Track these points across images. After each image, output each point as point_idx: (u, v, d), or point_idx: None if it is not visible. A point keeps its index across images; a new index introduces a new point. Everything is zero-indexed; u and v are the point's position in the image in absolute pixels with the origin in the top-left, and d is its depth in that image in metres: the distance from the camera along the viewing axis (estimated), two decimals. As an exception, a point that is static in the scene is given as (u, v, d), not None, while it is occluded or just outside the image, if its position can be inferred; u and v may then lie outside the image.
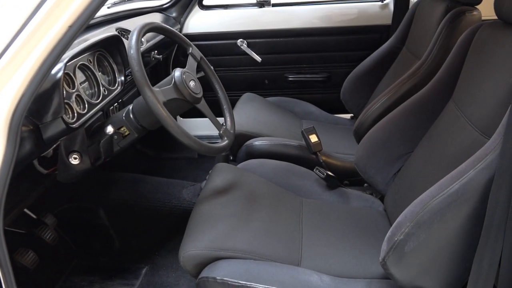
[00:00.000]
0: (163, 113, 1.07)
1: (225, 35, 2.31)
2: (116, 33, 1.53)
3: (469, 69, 1.15)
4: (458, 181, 0.83)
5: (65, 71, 1.11)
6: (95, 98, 1.32)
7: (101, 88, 1.34)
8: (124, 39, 1.52)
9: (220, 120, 1.32)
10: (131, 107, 1.23)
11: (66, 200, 1.62)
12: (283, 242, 1.15)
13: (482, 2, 1.48)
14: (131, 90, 1.72)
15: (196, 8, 2.36)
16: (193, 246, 1.10)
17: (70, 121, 1.12)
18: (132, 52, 1.09)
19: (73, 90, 1.18)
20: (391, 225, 0.94)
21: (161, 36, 1.88)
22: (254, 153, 1.65)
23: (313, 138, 1.59)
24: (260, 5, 2.33)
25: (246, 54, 2.31)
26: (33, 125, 0.96)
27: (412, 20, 1.89)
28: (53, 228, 1.48)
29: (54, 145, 1.13)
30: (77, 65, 1.24)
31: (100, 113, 1.36)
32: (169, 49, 2.23)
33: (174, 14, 2.32)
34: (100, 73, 1.37)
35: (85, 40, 1.33)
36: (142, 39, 1.70)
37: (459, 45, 1.21)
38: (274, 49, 2.34)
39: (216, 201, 1.26)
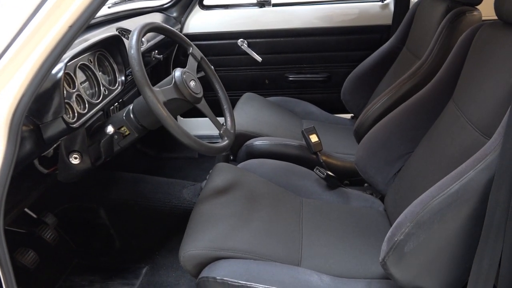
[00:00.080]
0: (164, 113, 1.07)
1: (226, 35, 2.31)
2: (117, 33, 1.53)
3: (469, 69, 1.15)
4: (458, 182, 0.83)
5: (66, 71, 1.12)
6: (95, 98, 1.32)
7: (101, 88, 1.34)
8: (124, 39, 1.52)
9: (221, 120, 1.33)
10: (131, 107, 1.23)
11: (67, 199, 1.62)
12: (283, 242, 1.15)
13: (483, 2, 1.48)
14: (131, 90, 1.73)
15: (197, 8, 2.36)
16: (193, 246, 1.10)
17: (71, 121, 1.12)
18: (132, 52, 1.10)
19: (74, 90, 1.18)
20: (391, 225, 0.94)
21: (161, 36, 1.88)
22: (255, 153, 1.65)
23: (314, 138, 1.59)
24: (261, 5, 2.33)
25: (246, 54, 2.31)
26: (33, 124, 0.96)
27: (413, 20, 1.89)
28: (53, 227, 1.48)
29: (55, 145, 1.14)
30: (78, 65, 1.24)
31: (101, 113, 1.37)
32: (170, 49, 2.23)
33: (174, 14, 2.32)
34: (100, 73, 1.37)
35: (86, 40, 1.33)
36: (143, 39, 1.70)
37: (459, 45, 1.21)
38: (275, 49, 2.34)
39: (217, 201, 1.26)
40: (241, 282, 0.99)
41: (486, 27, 1.14)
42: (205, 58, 1.39)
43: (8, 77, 0.73)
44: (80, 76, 1.27)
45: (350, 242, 1.19)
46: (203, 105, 1.28)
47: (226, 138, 1.30)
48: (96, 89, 1.34)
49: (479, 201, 0.82)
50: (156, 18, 2.19)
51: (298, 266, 1.09)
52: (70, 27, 0.74)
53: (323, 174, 1.41)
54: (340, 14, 2.30)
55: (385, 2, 2.29)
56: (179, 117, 2.52)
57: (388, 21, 2.26)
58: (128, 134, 1.23)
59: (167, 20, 2.24)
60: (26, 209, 1.37)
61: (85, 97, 1.23)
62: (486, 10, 1.44)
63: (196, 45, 1.38)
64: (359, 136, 1.63)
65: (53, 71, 1.03)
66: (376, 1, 2.30)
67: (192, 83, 1.21)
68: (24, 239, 1.43)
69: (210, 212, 1.22)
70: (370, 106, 1.63)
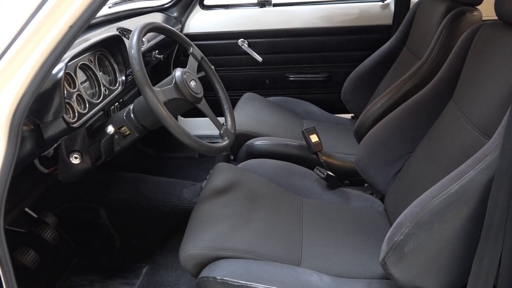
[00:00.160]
0: (164, 113, 1.07)
1: (226, 35, 2.31)
2: (117, 33, 1.53)
3: (469, 70, 1.15)
4: (458, 182, 0.83)
5: (66, 71, 1.12)
6: (96, 98, 1.32)
7: (102, 87, 1.34)
8: (125, 39, 1.52)
9: (221, 120, 1.33)
10: (131, 107, 1.23)
11: (67, 199, 1.62)
12: (283, 242, 1.15)
13: (483, 3, 1.48)
14: (132, 89, 1.73)
15: (197, 8, 2.36)
16: (193, 246, 1.10)
17: (71, 120, 1.12)
18: (133, 52, 1.10)
19: (74, 90, 1.18)
20: (391, 225, 0.94)
21: (162, 36, 1.88)
22: (255, 153, 1.65)
23: (314, 138, 1.59)
24: (261, 5, 2.33)
25: (247, 54, 2.31)
26: (34, 124, 0.96)
27: (413, 20, 1.89)
28: (53, 227, 1.48)
29: (55, 145, 1.14)
30: (78, 65, 1.24)
31: (101, 112, 1.37)
32: (170, 49, 2.23)
33: (175, 14, 2.32)
34: (101, 73, 1.38)
35: (86, 40, 1.33)
36: (143, 39, 1.70)
37: (460, 46, 1.21)
38: (275, 49, 2.34)
39: (217, 200, 1.26)
40: (241, 282, 0.99)
41: (486, 27, 1.14)
42: (206, 58, 1.39)
43: (8, 77, 0.73)
44: (81, 76, 1.28)
45: (350, 242, 1.19)
46: (203, 105, 1.28)
47: (226, 138, 1.30)
48: (97, 89, 1.34)
49: (479, 201, 0.82)
50: (157, 18, 2.19)
51: (298, 266, 1.09)
52: (71, 27, 0.74)
53: (323, 174, 1.41)
54: (341, 14, 2.30)
55: (385, 2, 2.29)
56: (179, 117, 2.53)
57: (389, 21, 2.26)
58: (129, 134, 1.23)
59: (167, 20, 2.24)
60: (26, 209, 1.37)
61: (86, 97, 1.23)
62: (486, 10, 1.44)
63: (196, 45, 1.38)
64: (359, 136, 1.63)
65: (54, 71, 1.03)
66: (376, 1, 2.30)
67: (192, 83, 1.21)
68: (25, 239, 1.43)
69: (210, 212, 1.22)
70: (371, 106, 1.63)
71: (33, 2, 0.73)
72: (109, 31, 1.55)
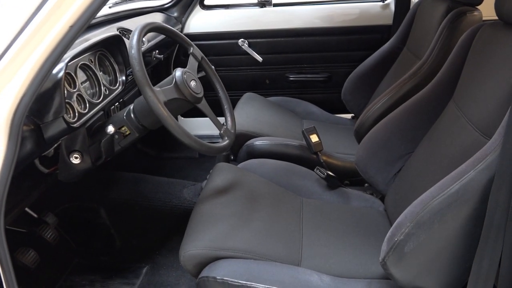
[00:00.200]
0: (164, 113, 1.07)
1: (226, 35, 2.31)
2: (117, 33, 1.53)
3: (469, 70, 1.15)
4: (458, 182, 0.83)
5: (66, 71, 1.12)
6: (96, 98, 1.32)
7: (102, 87, 1.34)
8: (125, 39, 1.52)
9: (221, 119, 1.33)
10: (132, 107, 1.23)
11: (67, 199, 1.62)
12: (284, 242, 1.15)
13: (483, 3, 1.48)
14: (132, 89, 1.73)
15: (197, 8, 2.36)
16: (193, 246, 1.10)
17: (71, 120, 1.12)
18: (133, 52, 1.10)
19: (74, 90, 1.19)
20: (391, 225, 0.94)
21: (162, 36, 1.89)
22: (255, 153, 1.65)
23: (314, 138, 1.59)
24: (262, 5, 2.33)
25: (247, 54, 2.31)
26: (34, 124, 0.96)
27: (413, 20, 1.89)
28: (54, 227, 1.48)
29: (55, 145, 1.14)
30: (78, 65, 1.24)
31: (101, 112, 1.37)
32: (170, 49, 2.24)
33: (175, 14, 2.32)
34: (101, 73, 1.38)
35: (86, 40, 1.33)
36: (143, 39, 1.70)
37: (460, 46, 1.21)
38: (275, 49, 2.34)
39: (217, 200, 1.26)
40: (241, 282, 0.99)
41: (487, 27, 1.14)
42: (206, 58, 1.39)
43: (9, 77, 0.74)
44: (81, 76, 1.28)
45: (350, 242, 1.19)
46: (203, 105, 1.28)
47: (226, 138, 1.30)
48: (97, 89, 1.34)
49: (479, 201, 0.82)
50: (157, 18, 2.19)
51: (298, 266, 1.09)
52: (71, 27, 0.74)
53: (324, 174, 1.41)
54: (341, 14, 2.30)
55: (385, 2, 2.29)
56: (179, 117, 2.53)
57: (389, 21, 2.26)
58: (129, 134, 1.23)
59: (167, 20, 2.25)
60: (26, 209, 1.37)
61: (86, 97, 1.23)
62: (487, 10, 1.44)
63: (196, 45, 1.38)
64: (359, 136, 1.63)
65: (54, 71, 1.03)
66: (377, 1, 2.30)
67: (192, 83, 1.21)
68: (25, 239, 1.43)
69: (211, 212, 1.22)
70: (371, 106, 1.64)
71: (34, 2, 0.73)
72: (110, 31, 1.55)
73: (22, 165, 0.98)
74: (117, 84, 1.46)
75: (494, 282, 0.81)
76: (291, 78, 2.39)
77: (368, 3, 2.30)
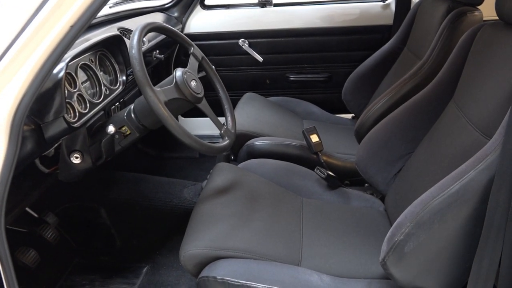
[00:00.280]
0: (164, 113, 1.08)
1: (227, 35, 2.31)
2: (118, 32, 1.53)
3: (470, 70, 1.15)
4: (459, 182, 0.83)
5: (67, 71, 1.12)
6: (96, 98, 1.32)
7: (102, 87, 1.34)
8: (125, 39, 1.52)
9: (221, 119, 1.33)
10: (132, 107, 1.23)
11: (68, 199, 1.62)
12: (284, 242, 1.15)
13: (484, 3, 1.48)
14: (132, 89, 1.73)
15: (198, 8, 2.36)
16: (193, 246, 1.10)
17: (72, 120, 1.12)
18: (133, 51, 1.10)
19: (75, 90, 1.19)
20: (391, 225, 0.94)
21: (162, 36, 1.89)
22: (255, 153, 1.65)
23: (314, 138, 1.59)
24: (262, 5, 2.33)
25: (247, 54, 2.31)
26: (34, 124, 0.96)
27: (414, 21, 1.89)
28: (54, 227, 1.48)
29: (56, 144, 1.14)
30: (79, 65, 1.25)
31: (102, 112, 1.37)
32: (171, 48, 2.24)
33: (176, 14, 2.32)
34: (101, 73, 1.38)
35: (87, 40, 1.33)
36: (144, 39, 1.70)
37: (460, 46, 1.21)
38: (276, 49, 2.34)
39: (217, 200, 1.26)
40: (241, 281, 1.00)
41: (487, 27, 1.14)
42: (206, 58, 1.39)
43: (9, 77, 0.74)
44: (81, 76, 1.28)
45: (350, 242, 1.19)
46: (204, 105, 1.28)
47: (227, 138, 1.31)
48: (97, 88, 1.34)
49: (480, 201, 0.82)
50: (157, 18, 2.19)
51: (298, 266, 1.09)
52: (72, 27, 0.75)
53: (324, 174, 1.41)
54: (341, 14, 2.30)
55: (386, 2, 2.29)
56: (180, 117, 2.53)
57: (389, 21, 2.26)
58: (129, 133, 1.23)
59: (168, 20, 2.25)
60: (27, 209, 1.38)
61: (86, 96, 1.23)
62: (487, 10, 1.44)
63: (197, 45, 1.38)
64: (359, 136, 1.63)
65: (55, 71, 1.03)
66: (377, 1, 2.30)
67: (193, 83, 1.21)
68: (25, 239, 1.43)
69: (211, 211, 1.22)
70: (371, 106, 1.64)
71: (34, 2, 0.73)
72: (110, 31, 1.55)
73: (22, 165, 0.98)
74: (118, 84, 1.46)
75: (494, 282, 0.81)
76: (291, 78, 2.39)
77: (368, 3, 2.30)
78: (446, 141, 1.14)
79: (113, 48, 1.46)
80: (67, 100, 1.11)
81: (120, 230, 1.67)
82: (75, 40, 0.77)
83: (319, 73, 2.38)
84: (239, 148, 1.71)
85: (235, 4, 2.38)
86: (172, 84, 1.18)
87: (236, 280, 1.00)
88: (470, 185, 0.82)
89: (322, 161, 1.59)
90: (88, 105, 1.22)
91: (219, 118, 1.32)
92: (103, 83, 1.35)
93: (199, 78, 1.27)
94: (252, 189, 1.33)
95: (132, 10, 2.04)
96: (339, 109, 2.29)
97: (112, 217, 1.65)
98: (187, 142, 1.12)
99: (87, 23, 0.76)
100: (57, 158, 1.18)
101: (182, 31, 2.31)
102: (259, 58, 2.31)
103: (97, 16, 0.84)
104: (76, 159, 1.18)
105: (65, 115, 1.04)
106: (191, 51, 1.33)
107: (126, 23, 1.78)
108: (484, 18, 1.51)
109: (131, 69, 1.32)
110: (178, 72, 1.20)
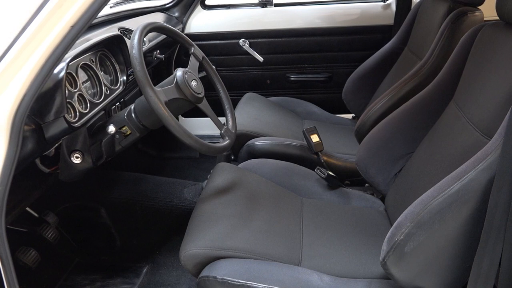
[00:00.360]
0: (165, 113, 1.08)
1: (227, 35, 2.31)
2: (119, 32, 1.53)
3: (470, 70, 1.15)
4: (459, 182, 0.83)
5: (68, 71, 1.12)
6: (97, 98, 1.32)
7: (103, 87, 1.35)
8: (126, 39, 1.52)
9: (222, 119, 1.33)
10: (133, 107, 1.23)
11: (68, 199, 1.62)
12: (284, 241, 1.15)
13: (485, 3, 1.48)
14: (133, 89, 1.73)
15: (199, 8, 2.36)
16: (194, 245, 1.10)
17: (72, 120, 1.12)
18: (134, 51, 1.10)
19: (75, 90, 1.19)
20: (391, 225, 0.94)
21: (163, 36, 1.89)
22: (256, 153, 1.65)
23: (315, 138, 1.59)
24: (263, 5, 2.33)
25: (248, 54, 2.31)
26: (35, 124, 0.97)
27: (414, 21, 1.89)
28: (54, 226, 1.48)
29: (56, 144, 1.14)
30: (80, 65, 1.25)
31: (102, 112, 1.37)
32: (171, 48, 2.24)
33: (176, 14, 2.32)
34: (102, 73, 1.38)
35: (88, 40, 1.33)
36: (144, 39, 1.70)
37: (461, 46, 1.21)
38: (276, 49, 2.34)
39: (217, 200, 1.26)
40: (242, 281, 1.00)
41: (488, 27, 1.14)
42: (207, 58, 1.39)
43: (10, 76, 0.74)
44: (82, 76, 1.28)
45: (351, 242, 1.19)
46: (204, 105, 1.28)
47: (227, 138, 1.31)
48: (98, 88, 1.34)
49: (480, 201, 0.82)
50: (158, 18, 2.19)
51: (298, 266, 1.09)
52: (72, 27, 0.75)
53: (324, 174, 1.42)
54: (342, 14, 2.30)
55: (387, 2, 2.29)
56: (180, 117, 2.53)
57: (390, 21, 2.26)
58: (130, 133, 1.23)
59: (169, 20, 2.25)
60: (27, 208, 1.38)
61: (87, 96, 1.23)
62: (488, 10, 1.44)
63: (197, 45, 1.38)
64: (360, 136, 1.63)
65: (55, 71, 1.03)
66: (378, 1, 2.30)
67: (193, 83, 1.21)
68: (26, 238, 1.43)
69: (211, 211, 1.22)
70: (371, 106, 1.63)
71: (35, 2, 0.73)
72: (111, 31, 1.55)
73: (23, 165, 0.98)
74: (118, 84, 1.47)
75: (494, 282, 0.81)
76: (292, 78, 2.39)
77: (369, 3, 2.30)
78: (447, 141, 1.14)
79: (113, 48, 1.46)
80: (67, 100, 1.11)
81: (121, 230, 1.67)
82: (76, 40, 0.77)
83: (319, 73, 2.38)
84: (239, 148, 1.71)
85: (235, 4, 2.39)
86: (173, 84, 1.18)
87: (236, 280, 1.00)
88: (470, 185, 0.82)
89: (322, 161, 1.59)
90: (88, 105, 1.22)
91: (219, 118, 1.32)
92: (104, 83, 1.36)
93: (200, 78, 1.27)
94: (253, 189, 1.33)
95: (133, 10, 2.04)
96: (340, 109, 2.29)
97: (113, 217, 1.65)
98: (188, 142, 1.13)
99: (87, 23, 0.76)
100: (58, 158, 1.18)
101: (182, 31, 2.31)
102: (260, 58, 2.31)
103: (97, 16, 0.84)
104: (76, 159, 1.18)
105: (66, 115, 1.04)
106: (192, 51, 1.33)
107: (126, 23, 1.78)
108: (485, 18, 1.51)
109: (131, 69, 1.32)
110: (179, 72, 1.20)
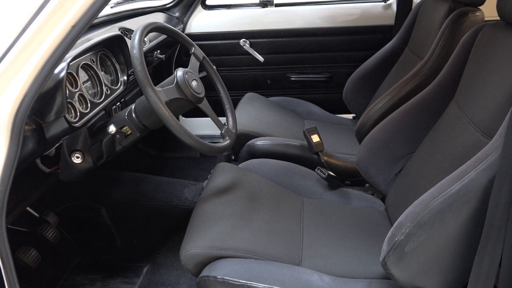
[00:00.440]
0: (165, 113, 1.08)
1: (228, 35, 2.31)
2: (119, 32, 1.53)
3: (471, 70, 1.15)
4: (459, 182, 0.83)
5: (68, 71, 1.12)
6: (97, 98, 1.32)
7: (103, 87, 1.35)
8: (127, 39, 1.52)
9: (222, 119, 1.33)
10: (133, 107, 1.23)
11: (68, 198, 1.62)
12: (284, 241, 1.15)
13: (485, 3, 1.48)
14: (133, 89, 1.73)
15: (199, 8, 2.37)
16: (194, 245, 1.10)
17: (73, 120, 1.12)
18: (134, 51, 1.10)
19: (76, 90, 1.19)
20: (392, 225, 0.94)
21: (164, 36, 1.89)
22: (256, 152, 1.65)
23: (315, 138, 1.59)
24: (263, 5, 2.33)
25: (248, 54, 2.31)
26: (36, 124, 0.97)
27: (415, 21, 1.89)
28: (55, 226, 1.49)
29: (57, 144, 1.14)
30: (80, 65, 1.25)
31: (103, 112, 1.37)
32: (172, 48, 2.24)
33: (177, 14, 2.32)
34: (102, 73, 1.38)
35: (88, 40, 1.33)
36: (145, 39, 1.70)
37: (462, 46, 1.21)
38: (277, 49, 2.34)
39: (218, 200, 1.26)
40: (242, 281, 1.00)
41: (489, 27, 1.14)
42: (207, 58, 1.39)
43: (11, 76, 0.74)
44: (83, 76, 1.28)
45: (351, 242, 1.19)
46: (205, 105, 1.28)
47: (227, 138, 1.31)
48: (98, 88, 1.34)
49: (480, 201, 0.82)
50: (159, 18, 2.19)
51: (298, 266, 1.09)
52: (73, 27, 0.75)
53: (324, 174, 1.41)
54: (343, 14, 2.30)
55: (387, 2, 2.29)
56: (180, 117, 2.53)
57: (391, 21, 2.26)
58: (130, 133, 1.23)
59: (169, 20, 2.25)
60: (28, 208, 1.38)
61: (88, 96, 1.23)
62: (489, 10, 1.44)
63: (198, 45, 1.38)
64: (360, 136, 1.63)
65: (56, 71, 1.03)
66: (378, 1, 2.30)
67: (194, 83, 1.22)
68: (26, 238, 1.43)
69: (211, 211, 1.22)
70: (372, 107, 1.63)
71: (36, 2, 0.73)
72: (111, 31, 1.55)
73: (23, 165, 0.99)
74: (119, 84, 1.47)
75: (495, 282, 0.81)
76: (292, 78, 2.39)
77: (370, 3, 2.30)
78: (447, 141, 1.14)
79: (114, 48, 1.46)
80: (68, 100, 1.11)
81: (121, 229, 1.67)
82: (77, 40, 0.77)
83: (320, 73, 2.38)
84: (239, 148, 1.71)
85: (236, 4, 2.39)
86: (173, 84, 1.18)
87: (237, 280, 1.00)
88: (470, 186, 0.82)
89: (323, 161, 1.59)
90: (89, 105, 1.23)
91: (220, 118, 1.32)
92: (104, 83, 1.36)
93: (200, 78, 1.27)
94: (253, 189, 1.33)
95: (133, 10, 2.04)
96: (340, 109, 2.29)
97: (113, 217, 1.65)
98: (188, 142, 1.13)
99: (88, 23, 0.76)
100: (58, 158, 1.18)
101: (183, 31, 2.31)
102: (260, 58, 2.31)
103: (98, 16, 0.84)
104: (77, 159, 1.18)
105: (66, 115, 1.05)
106: (192, 51, 1.33)
107: (127, 23, 1.78)
108: (486, 19, 1.51)
109: (132, 69, 1.33)
110: (179, 72, 1.20)
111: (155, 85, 1.13)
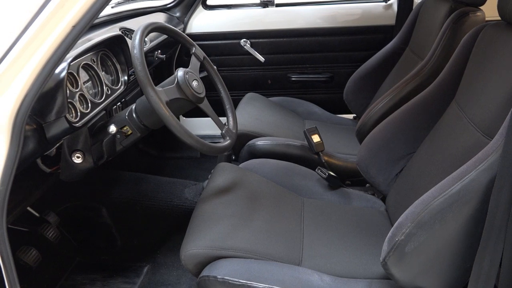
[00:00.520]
0: (166, 113, 1.08)
1: (229, 35, 2.31)
2: (120, 32, 1.53)
3: (472, 70, 1.15)
4: (460, 182, 0.83)
5: (69, 71, 1.12)
6: (98, 98, 1.32)
7: (104, 87, 1.35)
8: (127, 39, 1.52)
9: (223, 119, 1.33)
10: (134, 107, 1.24)
11: (69, 198, 1.63)
12: (284, 241, 1.15)
13: (486, 3, 1.48)
14: (134, 89, 1.73)
15: (200, 8, 2.37)
16: (194, 245, 1.10)
17: (73, 120, 1.12)
18: (135, 51, 1.10)
19: (77, 90, 1.19)
20: (392, 226, 0.94)
21: (164, 36, 1.89)
22: (256, 153, 1.65)
23: (316, 138, 1.59)
24: (264, 5, 2.33)
25: (249, 54, 2.31)
26: (36, 124, 0.97)
27: (416, 21, 1.89)
28: (55, 226, 1.49)
29: (57, 144, 1.14)
30: (81, 65, 1.25)
31: (103, 112, 1.37)
32: (173, 48, 2.24)
33: (177, 14, 2.33)
34: (103, 73, 1.38)
35: (89, 40, 1.34)
36: (146, 39, 1.70)
37: (462, 46, 1.21)
38: (277, 49, 2.34)
39: (218, 200, 1.26)
40: (242, 281, 1.00)
41: (489, 27, 1.14)
42: (208, 58, 1.39)
43: (11, 77, 0.74)
44: (83, 76, 1.28)
45: (351, 242, 1.19)
46: (205, 105, 1.28)
47: (228, 138, 1.31)
48: (99, 88, 1.34)
49: (480, 201, 0.82)
50: (159, 18, 2.19)
51: (298, 266, 1.09)
52: (74, 27, 0.75)
53: (325, 174, 1.41)
54: (344, 14, 2.30)
55: (388, 2, 2.29)
56: (181, 117, 2.53)
57: (392, 21, 2.26)
58: (131, 133, 1.24)
59: (170, 20, 2.25)
60: (28, 208, 1.38)
61: (88, 96, 1.23)
62: (490, 10, 1.44)
63: (199, 45, 1.38)
64: (361, 136, 1.63)
65: (56, 71, 1.03)
66: (379, 1, 2.30)
67: (194, 83, 1.22)
68: (27, 238, 1.44)
69: (212, 211, 1.22)
70: (373, 107, 1.63)
71: (36, 2, 0.73)
72: (112, 31, 1.55)
73: (24, 165, 0.99)
74: (119, 84, 1.47)
75: (495, 282, 0.81)
76: (293, 78, 2.39)
77: (370, 3, 2.30)
78: (448, 142, 1.13)
79: (115, 48, 1.47)
80: (68, 100, 1.12)
81: (121, 229, 1.67)
82: (77, 40, 0.77)
83: (320, 73, 2.38)
84: (240, 148, 1.72)
85: (237, 4, 2.39)
86: (174, 84, 1.18)
87: (237, 280, 1.00)
88: (471, 186, 0.82)
89: (323, 161, 1.59)
90: (89, 105, 1.23)
91: (220, 118, 1.32)
92: (105, 83, 1.36)
93: (201, 78, 1.28)
94: (253, 189, 1.33)
95: (134, 10, 2.04)
96: (341, 110, 2.29)
97: (113, 217, 1.66)
98: (189, 142, 1.13)
99: (89, 23, 0.76)
100: (59, 158, 1.18)
101: (184, 31, 2.31)
102: (261, 58, 2.31)
103: (99, 16, 0.84)
104: (77, 159, 1.18)
105: (67, 115, 1.05)
106: (193, 51, 1.33)
107: (128, 23, 1.78)
108: (487, 19, 1.51)
109: (132, 69, 1.33)
110: (180, 72, 1.20)
111: (156, 85, 1.13)
